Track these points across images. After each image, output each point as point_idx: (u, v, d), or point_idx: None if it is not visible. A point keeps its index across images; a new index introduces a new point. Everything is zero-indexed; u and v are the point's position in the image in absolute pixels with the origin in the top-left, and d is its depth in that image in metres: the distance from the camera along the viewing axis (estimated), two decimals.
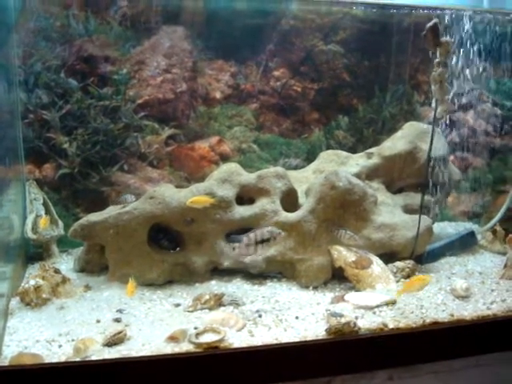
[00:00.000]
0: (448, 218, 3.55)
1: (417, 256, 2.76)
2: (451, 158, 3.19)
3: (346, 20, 3.41)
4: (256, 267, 2.61)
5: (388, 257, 2.70)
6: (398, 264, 2.66)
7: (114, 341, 1.96)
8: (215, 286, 2.58)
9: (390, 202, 2.91)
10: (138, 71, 3.14)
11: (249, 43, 3.30)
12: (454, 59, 2.67)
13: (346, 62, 3.45)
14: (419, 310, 2.27)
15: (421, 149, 2.97)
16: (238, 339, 2.02)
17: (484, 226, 3.35)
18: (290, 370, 1.99)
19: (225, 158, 3.29)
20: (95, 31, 3.04)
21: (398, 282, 2.57)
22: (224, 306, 2.34)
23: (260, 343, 2.01)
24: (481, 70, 2.95)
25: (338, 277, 2.62)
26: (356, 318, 2.17)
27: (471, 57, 2.81)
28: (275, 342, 2.02)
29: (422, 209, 2.80)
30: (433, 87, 2.61)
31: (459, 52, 2.72)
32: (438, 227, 3.15)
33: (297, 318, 2.21)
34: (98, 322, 2.17)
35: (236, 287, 2.56)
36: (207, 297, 2.34)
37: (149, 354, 1.91)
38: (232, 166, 2.77)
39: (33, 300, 2.30)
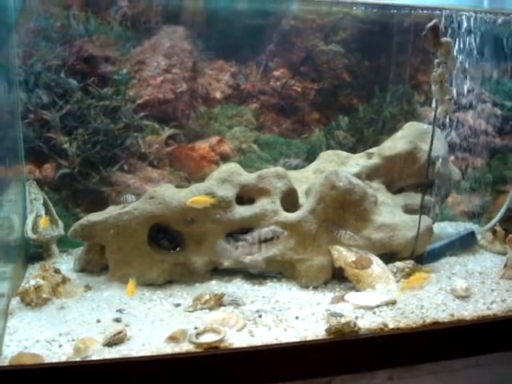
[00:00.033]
0: (448, 218, 3.55)
1: (417, 256, 2.76)
2: (451, 158, 3.19)
3: (346, 20, 3.41)
4: (256, 267, 2.61)
5: (388, 257, 2.70)
6: (398, 264, 2.66)
7: (114, 341, 1.96)
8: (215, 286, 2.58)
9: (390, 202, 2.91)
10: (139, 71, 3.14)
11: (249, 43, 3.29)
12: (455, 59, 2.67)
13: (347, 62, 3.45)
14: (419, 310, 2.27)
15: (421, 149, 2.97)
16: (238, 339, 2.02)
17: (484, 226, 3.35)
18: (289, 370, 1.99)
19: (225, 158, 3.29)
20: (95, 31, 3.04)
21: (398, 282, 2.57)
22: (224, 306, 2.34)
23: (260, 343, 2.01)
24: (481, 70, 2.95)
25: (338, 277, 2.62)
26: (356, 318, 2.17)
27: (471, 57, 2.81)
28: (275, 342, 2.02)
29: (423, 209, 2.80)
30: (433, 87, 2.61)
31: (459, 52, 2.72)
32: (438, 227, 3.14)
33: (297, 318, 2.22)
34: (98, 321, 2.17)
35: (236, 287, 2.56)
36: (207, 297, 2.34)
37: (149, 354, 1.91)
38: (232, 166, 2.77)
39: (33, 300, 2.30)
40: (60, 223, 2.93)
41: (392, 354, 2.11)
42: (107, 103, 3.04)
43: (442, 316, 2.23)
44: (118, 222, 2.56)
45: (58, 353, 1.91)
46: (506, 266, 2.72)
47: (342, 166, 2.99)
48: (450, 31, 2.65)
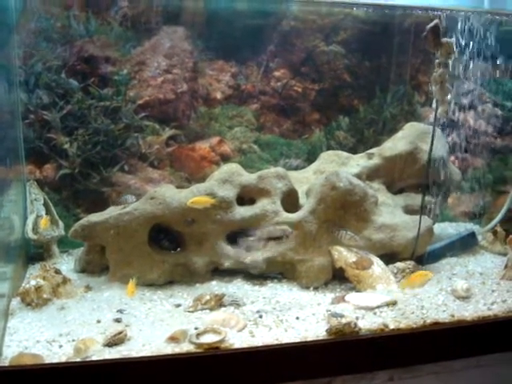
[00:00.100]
0: (449, 218, 3.55)
1: (417, 257, 2.76)
2: (451, 158, 3.18)
3: (346, 21, 3.41)
4: (257, 268, 2.61)
5: (389, 257, 2.70)
6: (399, 265, 2.66)
7: (115, 341, 1.96)
8: (216, 286, 2.58)
9: (391, 203, 2.90)
10: (139, 72, 3.14)
11: (249, 44, 3.30)
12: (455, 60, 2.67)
13: (347, 62, 3.45)
14: (420, 310, 2.27)
15: (421, 149, 2.97)
16: (238, 340, 2.02)
17: (485, 226, 3.35)
18: (290, 371, 1.99)
19: (225, 158, 3.29)
20: (96, 32, 3.04)
21: (398, 282, 2.57)
22: (225, 306, 2.34)
23: (261, 344, 2.01)
24: (481, 70, 2.95)
25: (338, 277, 2.62)
26: (357, 318, 2.16)
27: (471, 57, 2.81)
28: (276, 342, 2.02)
29: (423, 209, 2.80)
30: (433, 88, 2.61)
31: (460, 53, 2.72)
32: (438, 228, 3.14)
33: (297, 318, 2.21)
34: (99, 322, 2.17)
35: (237, 288, 2.56)
36: (208, 297, 2.34)
37: (149, 354, 1.91)
38: (233, 167, 2.77)
39: (33, 300, 2.30)
40: (60, 224, 2.93)
41: (392, 354, 2.11)
42: (108, 104, 3.04)
43: (443, 316, 2.23)
44: (118, 222, 2.56)
45: (59, 353, 1.91)
46: (506, 266, 2.71)
47: (343, 167, 2.99)
48: (449, 32, 2.65)
